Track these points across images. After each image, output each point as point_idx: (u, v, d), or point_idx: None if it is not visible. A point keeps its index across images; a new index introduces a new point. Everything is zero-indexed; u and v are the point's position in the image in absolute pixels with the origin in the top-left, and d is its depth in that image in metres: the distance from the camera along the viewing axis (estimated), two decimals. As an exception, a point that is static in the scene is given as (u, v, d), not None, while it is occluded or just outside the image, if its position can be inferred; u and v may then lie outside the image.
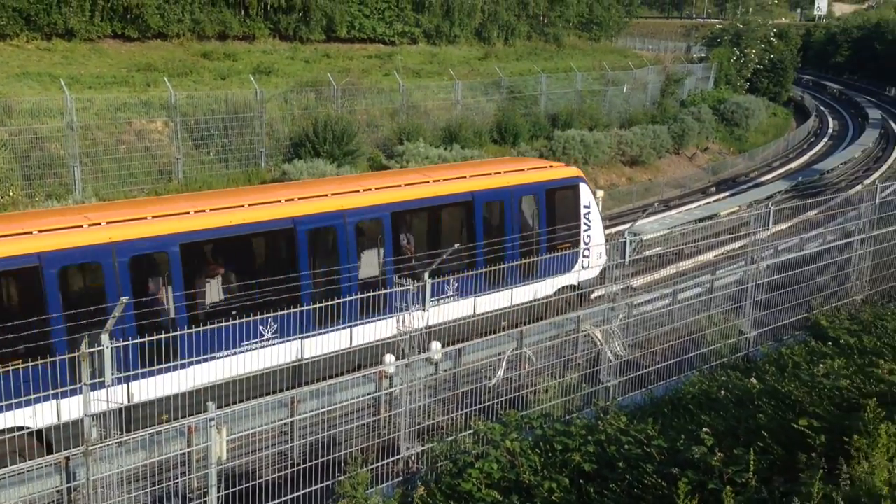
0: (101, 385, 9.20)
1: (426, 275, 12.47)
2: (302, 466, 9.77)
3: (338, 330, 13.49)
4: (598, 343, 12.64)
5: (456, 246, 13.92)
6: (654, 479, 7.14)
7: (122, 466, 8.64)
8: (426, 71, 39.91)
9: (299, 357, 13.17)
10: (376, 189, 15.44)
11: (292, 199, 14.33)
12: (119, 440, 8.85)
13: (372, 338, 13.45)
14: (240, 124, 26.83)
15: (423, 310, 12.24)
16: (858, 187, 34.98)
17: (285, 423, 10.31)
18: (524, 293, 15.72)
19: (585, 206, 17.99)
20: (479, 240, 16.13)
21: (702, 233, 19.53)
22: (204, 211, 13.26)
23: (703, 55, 59.85)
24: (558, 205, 17.71)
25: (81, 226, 12.10)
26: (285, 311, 12.12)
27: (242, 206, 13.73)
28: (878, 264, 15.44)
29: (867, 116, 63.69)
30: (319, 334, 13.27)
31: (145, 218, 12.70)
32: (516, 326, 12.78)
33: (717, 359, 13.10)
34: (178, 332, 11.28)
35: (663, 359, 13.07)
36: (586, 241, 17.89)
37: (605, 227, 19.73)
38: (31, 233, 11.62)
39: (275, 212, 13.90)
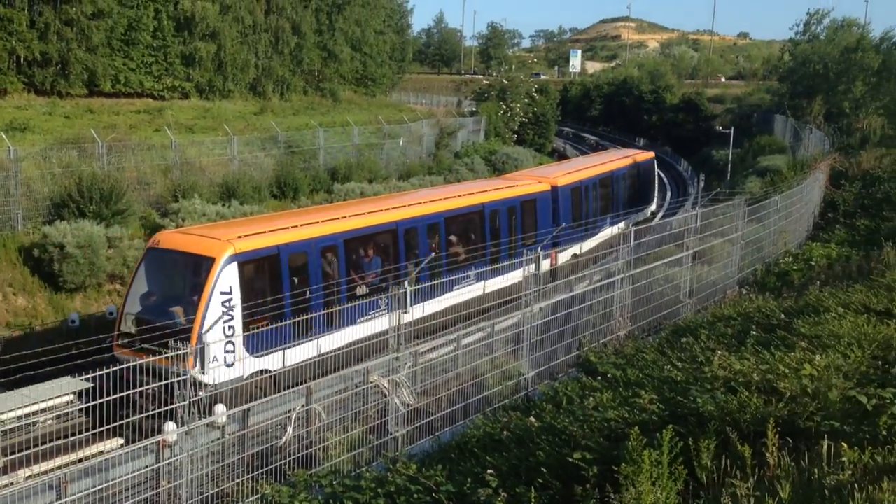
0: None
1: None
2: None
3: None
4: (386, 393, 12.72)
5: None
6: (444, 526, 7.26)
7: None
8: (200, 126, 38.97)
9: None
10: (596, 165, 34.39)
11: None
12: None
13: None
14: (-9, 185, 24.73)
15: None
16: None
17: (53, 509, 9.49)
18: (643, 214, 36.24)
19: (657, 174, 39.53)
20: (630, 191, 35.49)
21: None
22: None
23: (473, 109, 62.78)
24: (650, 172, 38.47)
25: None
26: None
27: None
28: (637, 301, 16.74)
29: (621, 165, 69.39)
30: None
31: None
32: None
33: (500, 400, 13.52)
34: None
35: (450, 404, 13.33)
36: (654, 192, 39.58)
37: None
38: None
39: None
